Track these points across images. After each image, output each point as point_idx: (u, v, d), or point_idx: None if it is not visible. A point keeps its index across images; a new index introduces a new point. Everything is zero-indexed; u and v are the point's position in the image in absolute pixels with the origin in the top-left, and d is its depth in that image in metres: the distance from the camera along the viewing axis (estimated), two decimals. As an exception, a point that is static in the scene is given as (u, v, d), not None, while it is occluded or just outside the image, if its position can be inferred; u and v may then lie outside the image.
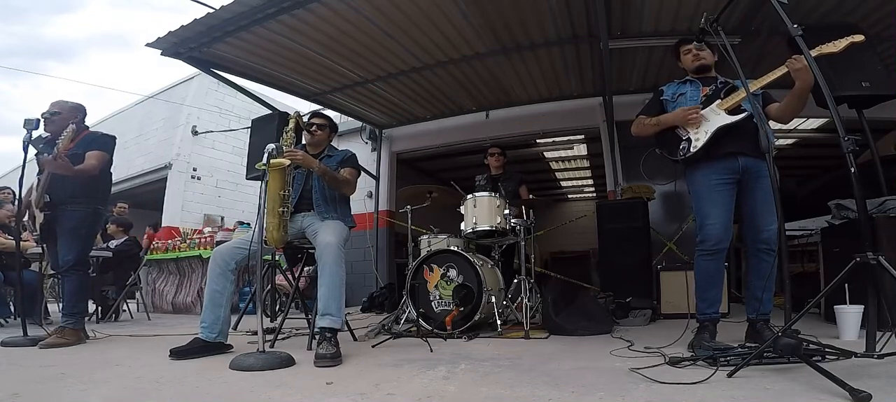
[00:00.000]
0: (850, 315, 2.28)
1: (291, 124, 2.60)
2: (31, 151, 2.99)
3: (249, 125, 4.63)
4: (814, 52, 1.91)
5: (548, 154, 8.25)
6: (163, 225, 7.37)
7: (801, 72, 2.00)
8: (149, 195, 8.45)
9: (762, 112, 2.22)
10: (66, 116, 2.98)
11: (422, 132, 6.25)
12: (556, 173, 9.54)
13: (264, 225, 2.23)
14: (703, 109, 2.31)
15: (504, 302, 3.27)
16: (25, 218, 3.12)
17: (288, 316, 2.92)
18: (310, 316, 2.69)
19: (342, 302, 2.31)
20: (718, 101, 2.29)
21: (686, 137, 2.32)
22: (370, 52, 4.21)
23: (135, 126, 8.71)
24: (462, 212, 3.46)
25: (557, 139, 7.21)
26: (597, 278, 5.60)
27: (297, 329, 3.20)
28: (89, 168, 2.89)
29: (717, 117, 2.26)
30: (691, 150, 2.29)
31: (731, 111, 2.25)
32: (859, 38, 1.97)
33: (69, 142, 2.72)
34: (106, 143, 3.02)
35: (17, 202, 3.26)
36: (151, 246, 6.11)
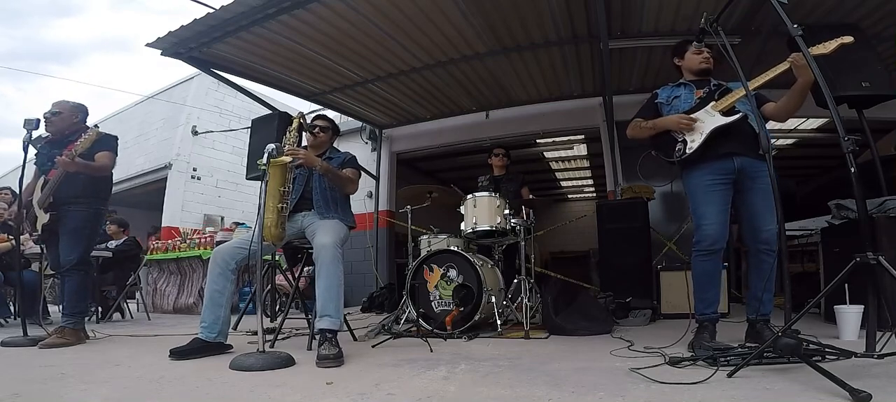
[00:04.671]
0: (850, 315, 2.28)
1: (294, 124, 2.60)
2: (31, 150, 3.00)
3: (249, 125, 4.62)
4: (805, 55, 1.91)
5: (548, 154, 8.26)
6: (163, 225, 7.37)
7: (804, 69, 2.00)
8: (149, 195, 8.45)
9: (758, 112, 2.22)
10: (67, 115, 3.01)
11: (422, 132, 6.25)
12: (556, 173, 9.55)
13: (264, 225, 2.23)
14: (697, 111, 2.31)
15: (504, 302, 3.27)
16: (24, 218, 3.12)
17: (288, 316, 2.92)
18: (310, 316, 2.69)
19: (340, 303, 2.30)
20: (712, 102, 2.29)
21: (681, 138, 2.33)
22: (370, 52, 4.21)
23: (135, 126, 8.72)
24: (462, 212, 3.46)
25: (557, 139, 7.22)
26: (597, 278, 5.61)
27: (297, 329, 3.20)
28: (103, 168, 2.94)
29: (711, 119, 2.27)
30: (687, 151, 2.29)
31: (725, 112, 2.25)
32: (848, 39, 1.97)
33: (90, 144, 2.76)
34: (111, 143, 3.04)
35: (17, 202, 3.26)
36: (151, 247, 6.11)
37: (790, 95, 2.18)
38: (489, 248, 3.85)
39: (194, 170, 7.79)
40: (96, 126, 2.88)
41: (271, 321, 3.72)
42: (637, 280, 3.91)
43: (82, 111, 3.10)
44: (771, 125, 2.39)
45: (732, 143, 2.23)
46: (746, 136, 2.23)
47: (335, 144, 2.96)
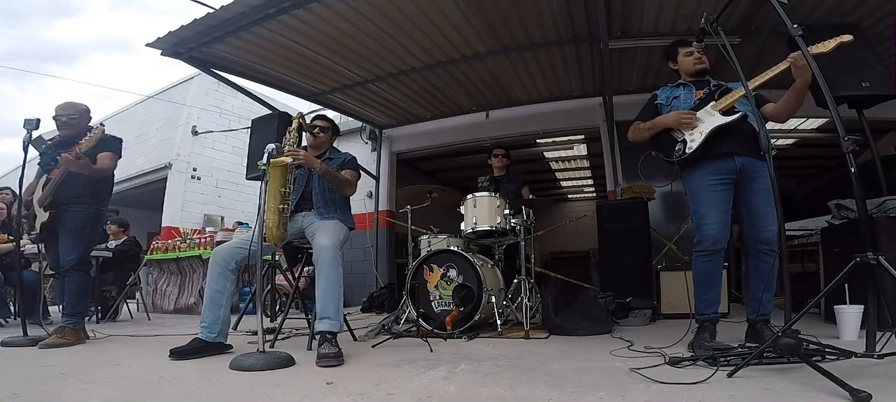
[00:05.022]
0: (851, 315, 2.28)
1: (294, 125, 2.60)
2: (32, 151, 3.00)
3: (249, 125, 4.63)
4: (804, 54, 1.91)
5: (548, 154, 8.26)
6: (163, 225, 7.37)
7: (803, 69, 2.00)
8: (149, 195, 8.45)
9: (758, 112, 2.23)
10: (82, 118, 3.04)
11: (422, 132, 6.25)
12: (556, 173, 9.55)
13: (264, 224, 2.23)
14: (697, 111, 2.31)
15: (504, 302, 3.27)
16: (23, 217, 3.12)
17: (288, 316, 2.92)
18: (310, 316, 2.69)
19: (340, 304, 2.31)
20: (712, 102, 2.30)
21: (681, 139, 2.33)
22: (370, 52, 4.21)
23: (135, 126, 8.71)
24: (462, 212, 3.46)
25: (557, 139, 7.21)
26: (597, 278, 5.61)
27: (297, 329, 3.20)
28: (105, 169, 2.94)
29: (711, 119, 2.27)
30: (687, 151, 2.29)
31: (725, 112, 2.25)
32: (848, 37, 1.97)
33: (95, 142, 2.76)
34: (115, 144, 3.04)
35: (17, 202, 3.27)
36: (153, 247, 6.11)
37: (789, 96, 2.18)
38: (489, 248, 3.85)
39: (194, 170, 7.79)
40: (101, 124, 2.88)
41: (271, 321, 3.72)
42: (637, 280, 3.91)
43: (89, 113, 3.13)
44: (771, 125, 2.39)
45: (733, 142, 2.23)
46: (747, 135, 2.23)
47: (335, 144, 2.96)
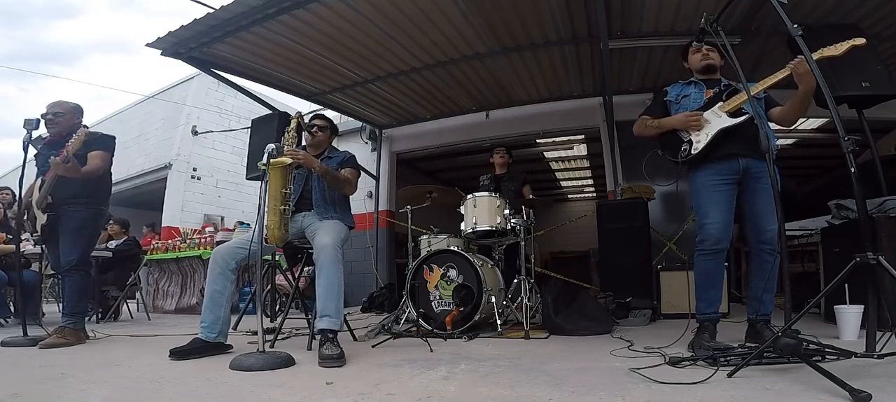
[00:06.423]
0: (850, 315, 2.28)
1: (293, 124, 2.60)
2: (31, 151, 2.99)
3: (249, 125, 4.63)
4: (815, 55, 1.91)
5: (548, 154, 8.26)
6: (163, 225, 7.37)
7: (805, 76, 2.00)
8: (149, 195, 8.46)
9: (764, 113, 2.23)
10: (69, 116, 3.00)
11: (422, 132, 6.25)
12: (556, 173, 9.55)
13: (265, 225, 2.23)
14: (705, 111, 2.32)
15: (504, 302, 3.27)
16: (24, 219, 3.12)
17: (288, 316, 2.92)
18: (310, 316, 2.69)
19: (340, 303, 2.31)
20: (720, 103, 2.30)
21: (687, 139, 2.34)
22: (370, 52, 4.21)
23: (135, 126, 8.72)
24: (462, 212, 3.46)
25: (557, 139, 7.22)
26: (597, 278, 5.61)
27: (297, 329, 3.20)
28: (95, 169, 2.91)
29: (718, 120, 2.28)
30: (692, 152, 2.30)
31: (732, 113, 2.26)
32: (860, 40, 1.97)
33: (80, 144, 2.73)
34: (106, 143, 3.02)
35: (17, 203, 3.26)
36: (151, 246, 6.11)
37: (793, 102, 2.20)
38: (489, 248, 3.85)
39: (194, 170, 7.79)
40: (85, 127, 2.84)
41: (271, 321, 3.72)
42: (637, 280, 3.91)
43: (81, 112, 3.10)
44: (775, 126, 2.39)
45: (738, 144, 2.24)
46: (752, 137, 2.22)
47: (335, 144, 2.96)
